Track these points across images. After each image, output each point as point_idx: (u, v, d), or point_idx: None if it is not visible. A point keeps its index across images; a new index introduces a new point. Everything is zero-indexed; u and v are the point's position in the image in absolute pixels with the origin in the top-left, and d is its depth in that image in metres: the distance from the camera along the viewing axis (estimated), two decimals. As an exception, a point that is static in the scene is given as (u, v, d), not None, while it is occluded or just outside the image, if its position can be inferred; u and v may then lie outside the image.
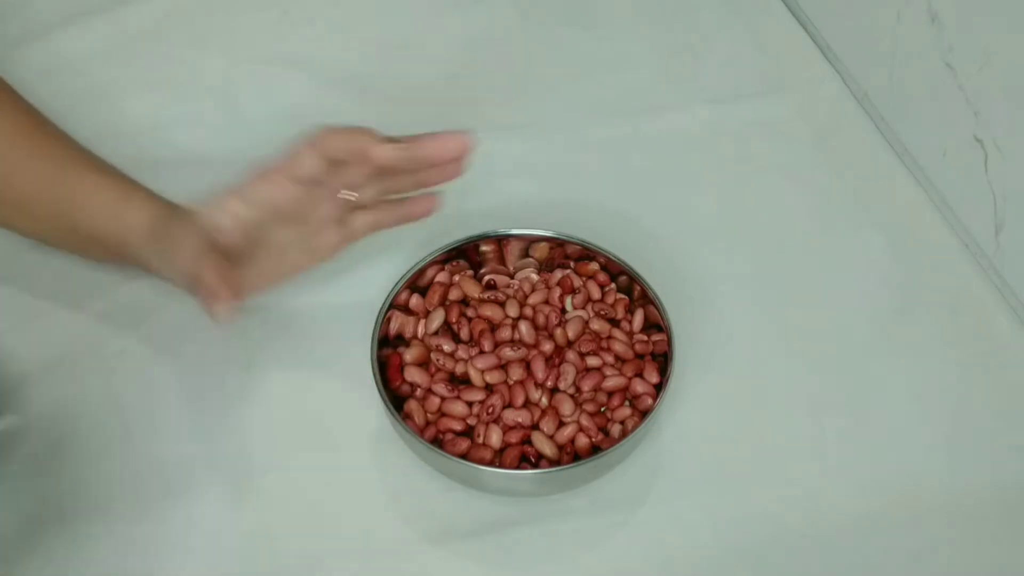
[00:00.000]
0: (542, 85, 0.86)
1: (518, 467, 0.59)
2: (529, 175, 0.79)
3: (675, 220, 0.76)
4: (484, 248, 0.67)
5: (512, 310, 0.65)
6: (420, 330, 0.65)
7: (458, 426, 0.60)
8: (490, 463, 0.59)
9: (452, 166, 0.61)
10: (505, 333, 0.64)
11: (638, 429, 0.59)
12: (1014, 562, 0.60)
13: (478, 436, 0.60)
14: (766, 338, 0.70)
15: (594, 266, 0.67)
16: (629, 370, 0.63)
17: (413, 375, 0.62)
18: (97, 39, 0.87)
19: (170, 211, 0.63)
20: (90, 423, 0.64)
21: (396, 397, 0.62)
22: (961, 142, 0.72)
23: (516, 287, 0.67)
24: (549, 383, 0.62)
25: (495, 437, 0.60)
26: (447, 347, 0.63)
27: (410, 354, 0.63)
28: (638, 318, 0.65)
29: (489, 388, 0.62)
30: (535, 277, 0.68)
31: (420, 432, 0.60)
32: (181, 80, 0.85)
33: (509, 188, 0.76)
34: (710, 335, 0.69)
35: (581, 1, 0.93)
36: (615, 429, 0.61)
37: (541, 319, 0.65)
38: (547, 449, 0.59)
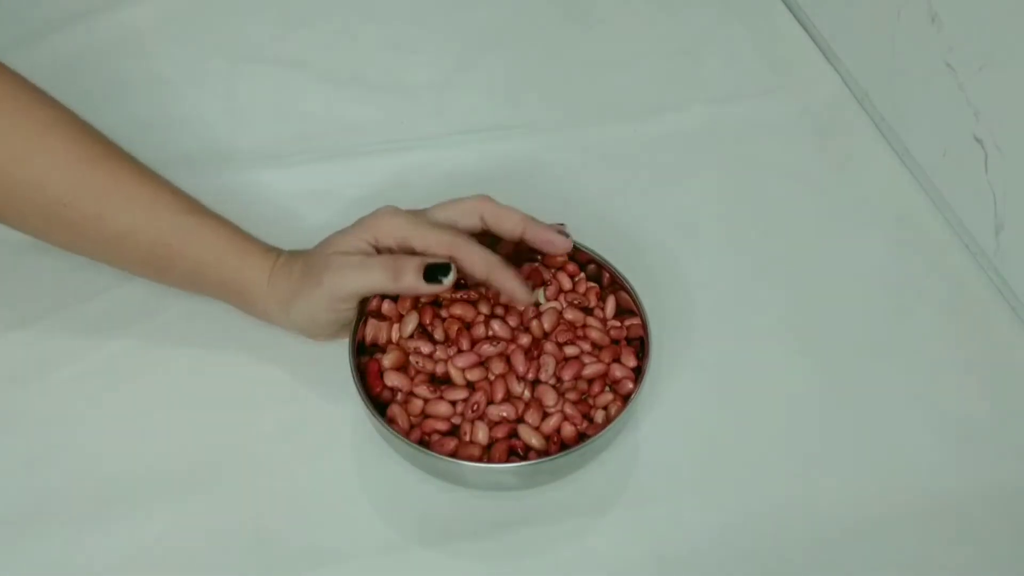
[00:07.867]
0: (542, 85, 0.86)
1: (507, 461, 0.59)
2: (528, 175, 0.79)
3: (675, 220, 0.76)
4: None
5: (485, 307, 0.65)
6: (395, 334, 0.64)
7: (443, 426, 0.60)
8: (479, 460, 0.59)
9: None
10: (480, 331, 0.63)
11: (623, 412, 0.59)
12: (1015, 563, 0.60)
13: (464, 434, 0.60)
14: (765, 337, 0.70)
15: (562, 257, 0.67)
16: (607, 356, 0.63)
17: (393, 379, 0.62)
18: (97, 39, 0.87)
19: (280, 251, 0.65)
20: (88, 422, 0.64)
21: (378, 404, 0.62)
22: (961, 142, 0.72)
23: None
24: (530, 375, 0.62)
25: (482, 434, 0.60)
26: (425, 349, 0.63)
27: (388, 359, 0.62)
28: (610, 304, 0.65)
29: (471, 386, 0.62)
30: None
31: (406, 435, 0.60)
32: (181, 80, 0.85)
33: (508, 188, 0.76)
34: (709, 333, 0.69)
35: (581, 1, 0.93)
36: (599, 415, 0.61)
37: (516, 314, 0.65)
38: (534, 441, 0.60)
